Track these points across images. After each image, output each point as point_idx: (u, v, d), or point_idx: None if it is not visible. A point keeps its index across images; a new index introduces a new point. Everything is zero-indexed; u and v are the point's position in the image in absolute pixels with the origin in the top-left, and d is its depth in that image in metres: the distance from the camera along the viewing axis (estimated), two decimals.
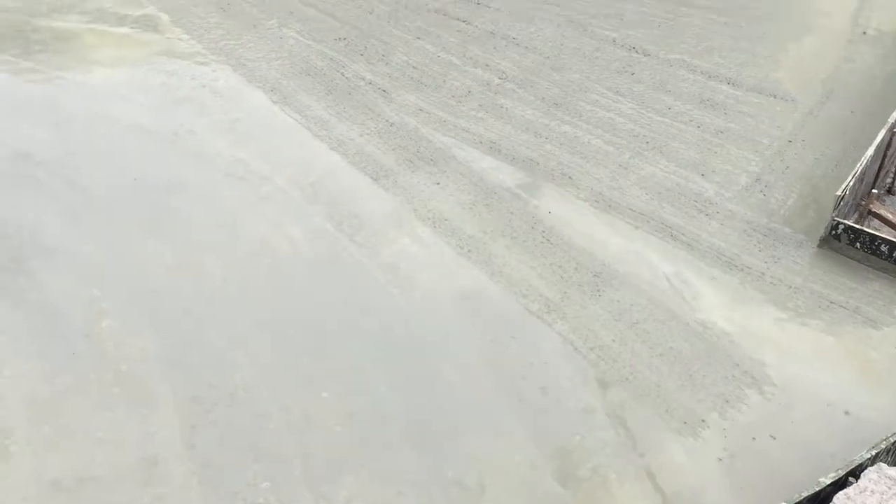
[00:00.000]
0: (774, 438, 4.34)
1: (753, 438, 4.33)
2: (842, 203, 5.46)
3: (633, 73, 7.76)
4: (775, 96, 7.34)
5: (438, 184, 6.25)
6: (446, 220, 5.91)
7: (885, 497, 3.49)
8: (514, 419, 4.47)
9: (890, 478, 3.56)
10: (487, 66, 7.83)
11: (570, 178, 6.35)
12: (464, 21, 8.69)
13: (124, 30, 8.16)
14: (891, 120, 6.16)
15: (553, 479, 4.17)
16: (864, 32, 8.42)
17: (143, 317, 4.96)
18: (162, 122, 6.72)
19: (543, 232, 5.80)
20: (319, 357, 4.77)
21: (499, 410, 4.52)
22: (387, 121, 6.94)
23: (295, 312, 5.07)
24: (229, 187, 6.06)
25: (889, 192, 8.56)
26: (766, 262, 5.55)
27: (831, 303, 5.20)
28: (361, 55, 7.94)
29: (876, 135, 6.07)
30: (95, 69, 7.44)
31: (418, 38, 8.33)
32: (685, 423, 4.44)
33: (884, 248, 5.32)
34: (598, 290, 5.32)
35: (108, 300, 5.05)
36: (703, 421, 4.45)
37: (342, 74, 7.58)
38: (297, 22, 8.52)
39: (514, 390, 4.63)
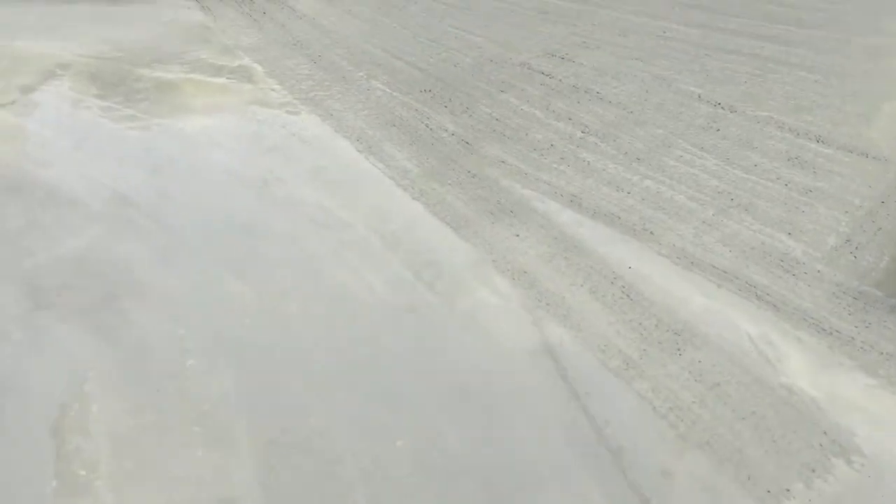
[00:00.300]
0: None
1: None
2: None
3: (718, 130, 7.67)
4: (867, 155, 7.13)
5: (518, 235, 6.27)
6: (525, 272, 5.91)
7: None
8: (588, 479, 4.38)
9: None
10: (570, 119, 7.86)
11: (651, 233, 6.28)
12: (547, 75, 8.77)
13: (221, 80, 8.53)
14: None
15: None
16: None
17: (226, 358, 5.10)
18: (252, 168, 6.97)
19: (623, 287, 5.74)
20: (393, 406, 4.80)
21: (573, 469, 4.44)
22: (469, 172, 7.03)
23: (371, 359, 5.13)
24: (313, 233, 6.22)
25: None
26: (856, 327, 5.35)
27: None
28: (445, 107, 8.08)
29: None
30: (192, 117, 7.78)
31: (502, 91, 8.44)
32: (768, 491, 4.27)
33: None
34: (679, 349, 5.21)
35: (192, 340, 5.21)
36: (788, 490, 4.27)
37: (426, 126, 7.73)
38: (385, 74, 8.75)
39: (589, 449, 4.55)
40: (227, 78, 8.56)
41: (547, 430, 4.67)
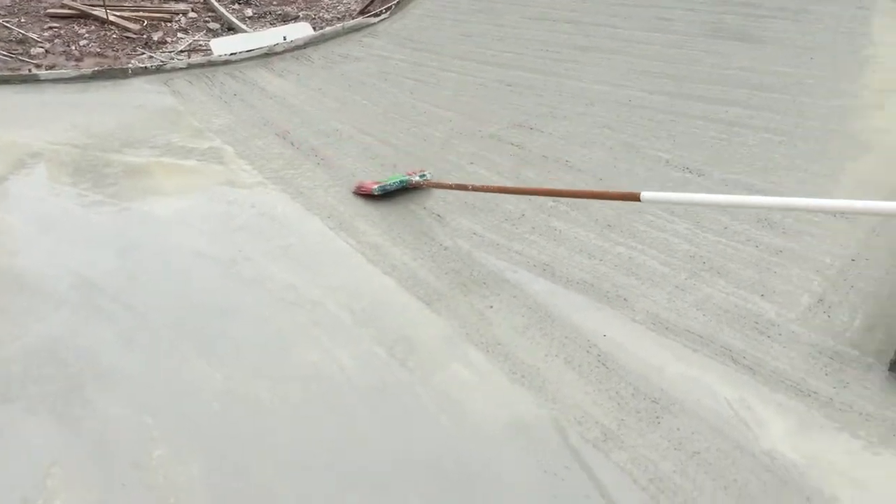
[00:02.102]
0: None
1: None
2: None
3: None
4: (835, 215, 7.19)
5: (492, 307, 6.21)
6: (499, 344, 5.83)
7: None
8: None
9: None
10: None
11: (624, 299, 6.25)
12: (517, 146, 8.85)
13: (191, 162, 8.53)
14: None
15: None
16: None
17: (193, 444, 4.94)
18: (221, 248, 6.91)
19: (599, 356, 5.67)
20: (367, 489, 4.65)
21: None
22: (440, 245, 7.00)
23: (343, 441, 4.99)
24: (282, 311, 6.13)
25: None
26: (834, 387, 5.29)
27: None
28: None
29: None
30: (162, 199, 7.74)
31: (472, 162, 8.49)
32: None
33: None
34: (657, 418, 5.12)
35: (159, 428, 5.06)
36: None
37: (396, 201, 7.73)
38: (354, 149, 8.79)
39: None
40: (198, 160, 8.57)
41: None
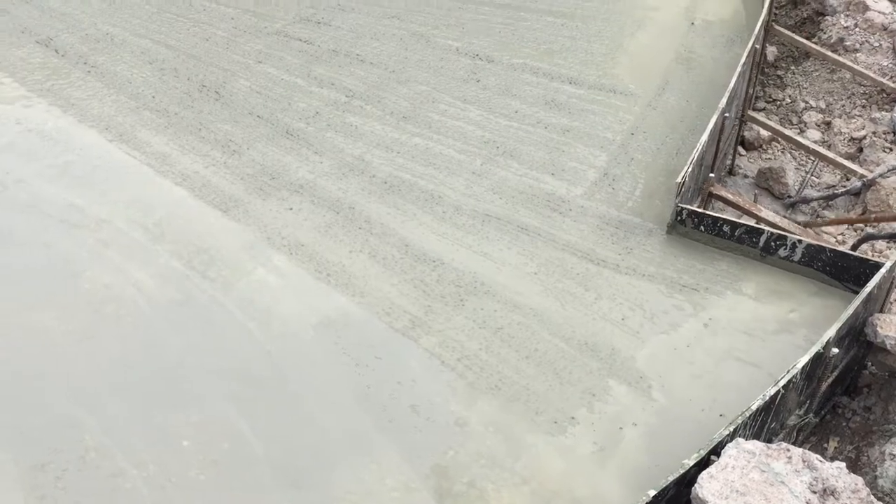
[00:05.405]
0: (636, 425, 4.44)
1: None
2: (683, 189, 5.65)
3: (478, 81, 7.82)
4: (615, 91, 7.55)
5: (291, 209, 6.08)
6: (302, 245, 5.75)
7: (745, 470, 3.59)
8: (385, 443, 4.37)
9: (748, 451, 3.67)
10: (333, 85, 7.71)
11: (422, 190, 6.31)
12: (306, 41, 8.53)
13: None
14: (721, 105, 6.44)
15: (431, 499, 4.10)
16: (693, 23, 8.81)
17: None
18: None
19: (402, 248, 5.73)
20: (175, 405, 4.52)
21: (369, 436, 4.41)
22: (234, 151, 6.71)
23: (145, 361, 4.80)
24: (64, 235, 5.70)
25: (730, 173, 9.00)
26: (619, 254, 5.68)
27: (683, 286, 5.36)
28: (203, 85, 7.66)
29: (710, 120, 6.33)
30: None
31: (260, 62, 8.12)
32: (555, 422, 4.47)
33: (726, 228, 5.54)
34: (462, 300, 5.30)
35: None
36: (573, 418, 4.49)
37: (181, 107, 7.28)
38: (130, 55, 8.14)
39: (383, 413, 4.53)
40: None
41: (339, 402, 4.60)
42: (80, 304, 5.17)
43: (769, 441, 4.05)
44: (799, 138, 8.72)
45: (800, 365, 4.22)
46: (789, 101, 9.84)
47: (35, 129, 6.85)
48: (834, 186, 8.80)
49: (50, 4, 8.99)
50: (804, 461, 3.61)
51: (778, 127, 8.86)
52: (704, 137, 6.07)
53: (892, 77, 9.24)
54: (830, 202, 8.53)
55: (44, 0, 9.06)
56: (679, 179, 5.63)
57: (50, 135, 6.78)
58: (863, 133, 8.96)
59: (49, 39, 8.31)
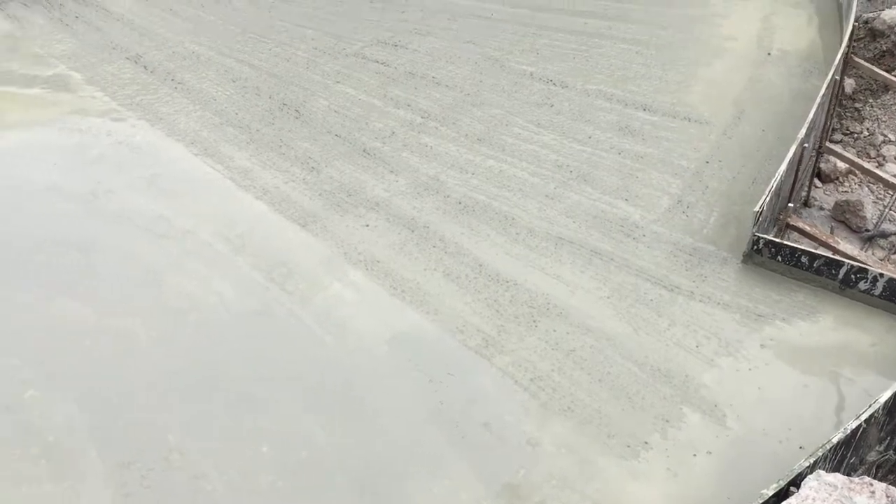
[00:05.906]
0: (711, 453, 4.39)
1: (694, 454, 4.37)
2: (760, 218, 5.61)
3: (552, 105, 7.89)
4: (689, 119, 7.53)
5: (367, 226, 6.21)
6: (378, 262, 5.86)
7: (826, 503, 3.53)
8: (457, 458, 4.41)
9: (829, 484, 3.61)
10: (409, 106, 7.87)
11: (497, 211, 6.38)
12: (383, 63, 8.73)
13: (35, 91, 7.96)
14: (799, 136, 6.38)
15: None
16: (769, 53, 8.75)
17: (68, 384, 4.77)
18: (77, 181, 6.55)
19: (476, 267, 5.80)
20: (254, 412, 4.65)
21: (441, 451, 4.46)
22: (313, 168, 6.90)
23: (226, 368, 4.94)
24: (151, 244, 5.92)
25: (805, 204, 8.87)
26: (693, 281, 5.65)
27: (759, 316, 5.31)
28: (284, 103, 7.89)
29: (787, 151, 6.27)
30: (5, 132, 7.22)
31: (338, 81, 8.33)
32: (628, 446, 4.46)
33: (804, 259, 5.47)
34: (534, 321, 5.33)
35: (28, 368, 4.85)
36: (646, 443, 4.47)
37: (263, 123, 7.52)
38: (213, 73, 8.44)
39: (455, 429, 4.58)
40: (42, 88, 8.01)
41: (411, 416, 4.66)
42: (164, 311, 5.35)
43: (849, 476, 3.98)
44: (878, 171, 8.56)
45: (882, 399, 4.14)
46: (867, 133, 9.67)
47: (125, 141, 7.14)
48: None
49: (140, 23, 9.38)
50: (888, 496, 3.54)
51: (856, 159, 8.71)
52: (783, 167, 6.01)
53: None
54: None
55: (134, 18, 9.46)
56: (757, 209, 5.59)
57: (139, 147, 7.06)
58: None
59: (139, 56, 8.66)
